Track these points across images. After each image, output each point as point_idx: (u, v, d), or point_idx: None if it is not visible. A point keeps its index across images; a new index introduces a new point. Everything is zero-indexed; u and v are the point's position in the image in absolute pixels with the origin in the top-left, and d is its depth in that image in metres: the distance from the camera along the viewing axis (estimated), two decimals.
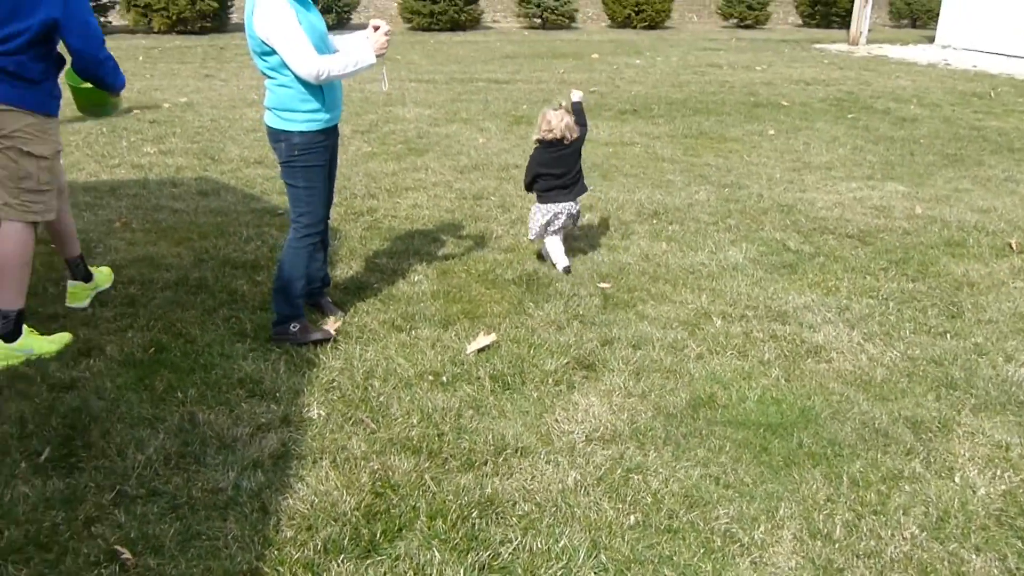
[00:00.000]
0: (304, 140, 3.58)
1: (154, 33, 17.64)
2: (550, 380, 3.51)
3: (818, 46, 17.90)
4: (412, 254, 4.94)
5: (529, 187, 4.81)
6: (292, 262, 3.75)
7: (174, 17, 17.86)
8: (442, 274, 4.63)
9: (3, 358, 3.55)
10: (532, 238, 4.81)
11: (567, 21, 21.58)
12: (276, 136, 3.61)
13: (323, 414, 3.23)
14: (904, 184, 6.80)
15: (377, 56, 3.61)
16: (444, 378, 3.52)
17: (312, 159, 3.64)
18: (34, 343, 3.65)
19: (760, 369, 3.65)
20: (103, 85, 3.77)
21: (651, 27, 21.69)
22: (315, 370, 3.56)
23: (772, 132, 8.77)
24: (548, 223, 4.69)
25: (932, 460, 3.02)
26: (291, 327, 3.75)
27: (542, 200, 4.72)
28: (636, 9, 21.62)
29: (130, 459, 2.89)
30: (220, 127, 8.35)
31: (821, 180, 6.87)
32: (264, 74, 3.57)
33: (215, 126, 8.38)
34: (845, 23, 20.48)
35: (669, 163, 7.36)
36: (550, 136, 4.64)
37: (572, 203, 4.71)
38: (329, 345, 3.75)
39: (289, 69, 3.44)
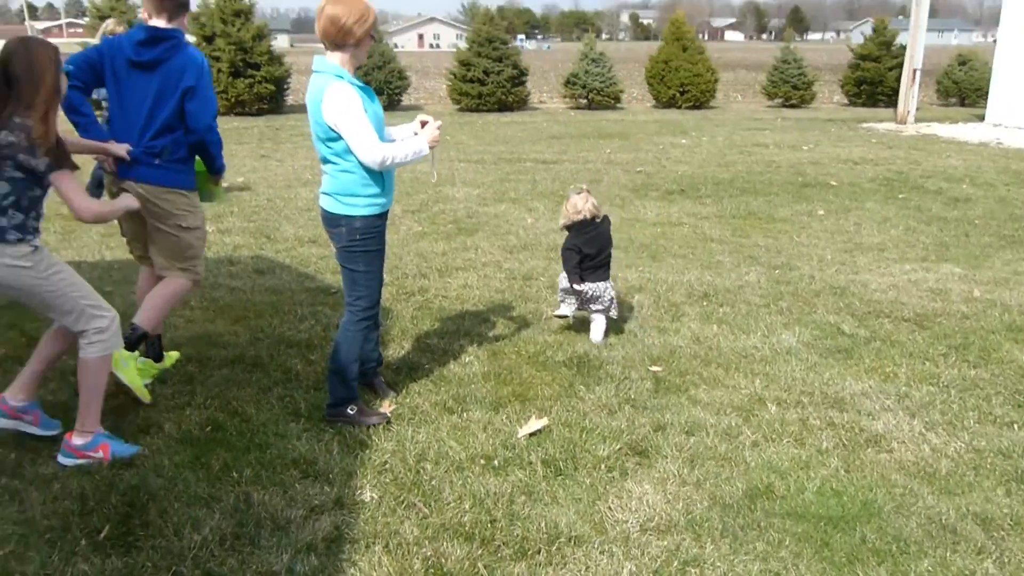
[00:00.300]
0: (365, 224, 3.66)
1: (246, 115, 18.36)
2: (603, 466, 3.48)
3: (865, 125, 17.93)
4: (463, 334, 4.97)
5: (579, 278, 4.83)
6: (348, 345, 3.79)
7: (232, 99, 18.59)
8: (493, 355, 4.65)
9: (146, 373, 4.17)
10: (559, 312, 4.98)
11: (612, 101, 21.96)
12: (336, 221, 3.67)
13: (376, 497, 3.23)
14: (960, 266, 6.70)
15: (429, 147, 3.70)
16: (496, 462, 3.50)
17: (372, 243, 3.72)
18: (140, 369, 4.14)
19: (818, 458, 3.57)
20: (208, 157, 4.13)
21: (696, 107, 21.96)
22: (368, 451, 3.57)
23: (821, 212, 8.75)
24: (573, 299, 4.88)
25: (1006, 561, 2.90)
26: (347, 409, 3.79)
27: (585, 279, 4.84)
28: (681, 89, 21.93)
29: (186, 539, 2.90)
30: (276, 206, 8.59)
31: (874, 262, 6.81)
32: (326, 160, 3.66)
33: (271, 205, 8.63)
34: (892, 102, 20.53)
35: (718, 244, 7.37)
36: (579, 218, 4.86)
37: (606, 283, 4.85)
38: (381, 426, 3.77)
39: (353, 155, 3.54)
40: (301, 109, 20.88)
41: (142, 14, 4.04)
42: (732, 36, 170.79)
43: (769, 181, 10.59)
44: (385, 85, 20.14)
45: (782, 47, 23.77)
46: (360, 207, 3.63)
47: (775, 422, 3.89)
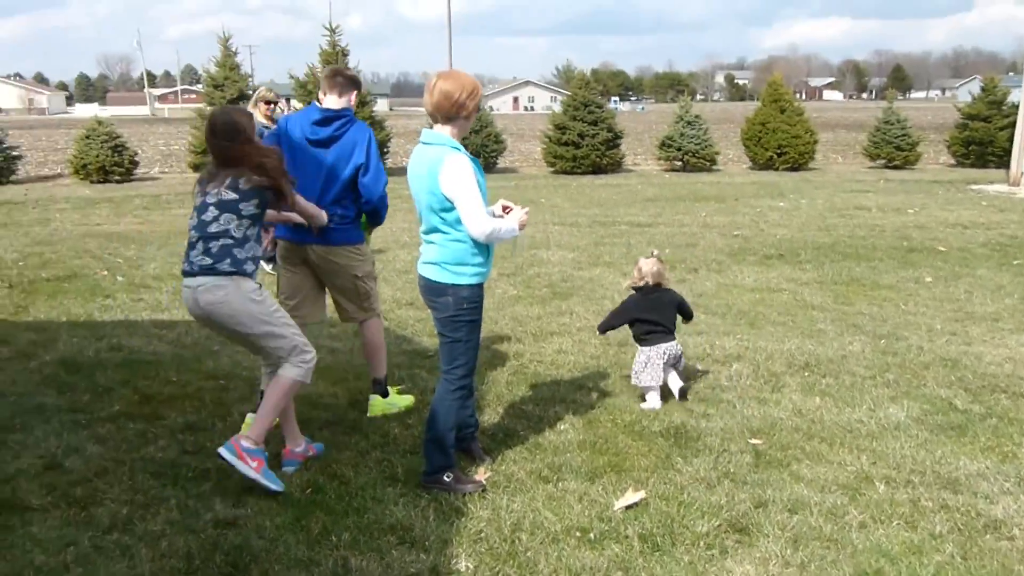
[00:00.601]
0: (471, 293, 3.74)
1: None
2: (702, 543, 3.38)
3: (975, 187, 17.31)
4: (558, 401, 4.96)
5: (608, 328, 5.26)
6: (445, 414, 3.83)
7: None
8: (588, 423, 4.62)
9: (382, 409, 4.79)
10: (634, 383, 5.01)
11: (708, 163, 21.85)
12: (441, 290, 3.71)
13: (471, 567, 3.23)
14: None
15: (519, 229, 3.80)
16: (592, 535, 3.45)
17: (476, 312, 3.79)
18: (398, 400, 4.87)
19: (932, 543, 3.39)
20: (377, 220, 4.73)
21: (794, 168, 21.62)
22: (463, 519, 3.57)
23: (929, 279, 8.44)
24: (649, 363, 4.92)
25: None
26: (444, 476, 3.82)
27: (644, 344, 5.00)
28: (778, 151, 21.67)
29: None
30: (387, 265, 8.81)
31: (988, 332, 6.50)
32: (435, 229, 3.70)
33: (381, 264, 8.83)
34: (1003, 162, 19.75)
35: (819, 311, 7.18)
36: (641, 283, 5.11)
37: (673, 344, 5.00)
38: (477, 493, 3.77)
39: (463, 225, 3.62)
40: (399, 172, 21.52)
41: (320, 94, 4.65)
42: (831, 95, 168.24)
43: (872, 246, 10.30)
44: (482, 149, 20.58)
45: (884, 107, 23.28)
46: (467, 276, 3.71)
47: (884, 502, 3.73)
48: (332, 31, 19.89)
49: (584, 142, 20.81)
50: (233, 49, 20.22)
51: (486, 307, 5.40)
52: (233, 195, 3.72)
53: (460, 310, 3.73)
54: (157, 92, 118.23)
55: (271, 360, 3.94)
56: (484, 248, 3.72)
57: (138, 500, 3.70)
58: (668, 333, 5.01)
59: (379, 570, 3.17)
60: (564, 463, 4.11)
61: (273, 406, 3.86)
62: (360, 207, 4.59)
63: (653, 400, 4.93)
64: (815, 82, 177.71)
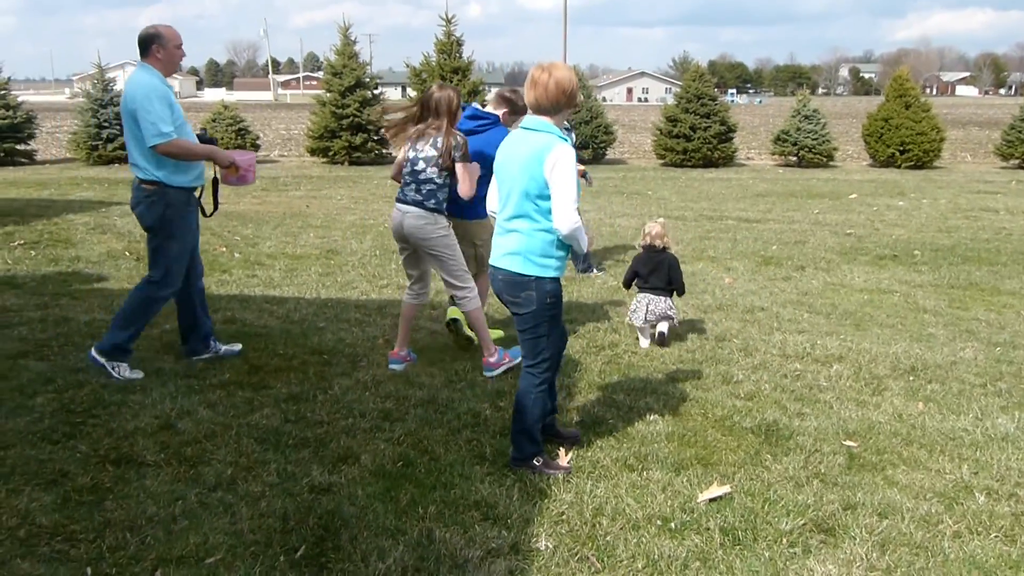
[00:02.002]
0: (554, 287, 3.75)
1: None
2: (784, 540, 3.35)
3: None
4: (649, 392, 4.96)
5: (627, 284, 6.30)
6: (532, 407, 3.86)
7: None
8: (678, 416, 4.61)
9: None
10: (634, 323, 6.00)
11: (825, 159, 21.18)
12: (525, 284, 3.68)
13: (550, 546, 3.29)
14: None
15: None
16: (673, 525, 3.46)
17: (557, 306, 3.80)
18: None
19: None
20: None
21: (917, 167, 20.71)
22: (546, 501, 3.64)
23: None
24: (636, 309, 5.96)
25: None
26: (534, 462, 3.89)
27: (638, 292, 6.07)
28: (901, 148, 20.79)
29: (372, 566, 3.09)
30: None
31: None
32: (524, 215, 3.66)
33: None
34: None
35: (931, 315, 6.90)
36: (644, 242, 6.16)
37: (657, 298, 5.89)
38: (560, 477, 3.84)
39: (551, 216, 3.62)
40: None
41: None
42: (964, 91, 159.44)
43: (996, 249, 9.80)
44: (591, 140, 20.55)
45: (1022, 103, 21.97)
46: (552, 269, 3.71)
47: (982, 513, 3.59)
48: (448, 21, 20.21)
49: (696, 135, 20.50)
50: (352, 38, 20.80)
51: (587, 296, 5.46)
52: (433, 152, 4.94)
53: (543, 304, 3.71)
54: (281, 78, 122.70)
55: (448, 286, 5.32)
56: (563, 243, 3.70)
57: (242, 462, 3.92)
58: (655, 289, 5.97)
59: (462, 543, 3.27)
60: (650, 453, 4.12)
61: (479, 329, 5.30)
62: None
63: (642, 342, 5.92)
64: (948, 76, 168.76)
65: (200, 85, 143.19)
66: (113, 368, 4.98)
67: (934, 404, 4.87)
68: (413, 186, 5.02)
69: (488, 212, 4.06)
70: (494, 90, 5.78)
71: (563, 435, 4.24)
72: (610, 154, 22.56)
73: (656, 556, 3.22)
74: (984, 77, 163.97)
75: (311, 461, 3.96)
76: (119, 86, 17.67)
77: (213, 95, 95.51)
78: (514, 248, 3.70)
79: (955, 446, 4.29)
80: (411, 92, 21.02)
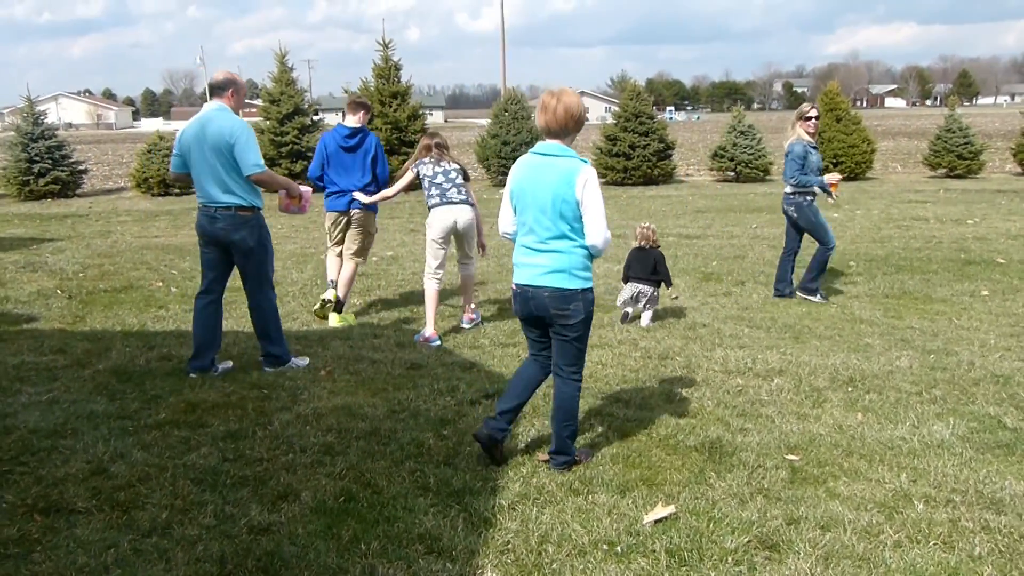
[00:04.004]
0: (593, 296, 4.06)
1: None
2: (729, 559, 3.35)
3: None
4: (594, 414, 4.96)
5: (625, 279, 7.27)
6: (576, 408, 4.20)
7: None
8: (622, 436, 4.61)
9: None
10: (617, 304, 7.26)
11: (761, 174, 21.58)
12: (572, 297, 3.95)
13: None
14: None
15: None
16: (619, 548, 3.44)
17: (592, 312, 4.08)
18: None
19: (970, 565, 3.30)
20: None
21: (851, 178, 21.22)
22: (492, 530, 3.60)
23: (986, 293, 8.22)
24: (623, 293, 7.17)
25: None
26: (577, 457, 4.24)
27: (626, 282, 7.19)
28: (834, 161, 21.30)
29: None
30: (420, 280, 8.90)
31: None
32: (562, 236, 3.93)
33: (416, 279, 8.97)
34: None
35: (868, 325, 7.05)
36: (634, 243, 7.37)
37: (642, 286, 7.04)
38: (506, 505, 3.80)
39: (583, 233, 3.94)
40: None
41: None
42: (893, 103, 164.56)
43: (928, 258, 10.07)
44: None
45: (946, 114, 22.74)
46: (589, 280, 4.03)
47: (921, 521, 3.64)
48: (385, 46, 20.21)
49: (635, 153, 20.74)
50: (290, 64, 20.64)
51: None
52: (456, 165, 6.74)
53: (589, 313, 4.04)
54: None
55: (468, 254, 6.98)
56: (592, 256, 4.03)
57: (178, 505, 3.80)
58: (639, 279, 7.07)
59: None
60: (596, 476, 4.11)
61: (466, 291, 7.13)
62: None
63: (623, 319, 7.15)
64: (876, 89, 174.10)
65: (136, 115, 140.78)
66: (292, 365, 5.89)
67: (872, 414, 4.95)
68: (454, 190, 6.66)
69: (501, 234, 4.26)
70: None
71: (498, 457, 4.30)
72: None
73: None
74: (911, 89, 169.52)
75: (250, 500, 3.86)
76: (52, 118, 17.25)
77: (150, 125, 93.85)
78: (557, 267, 3.96)
79: (894, 455, 4.36)
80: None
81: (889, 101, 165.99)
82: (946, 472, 4.14)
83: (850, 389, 5.39)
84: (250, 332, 6.89)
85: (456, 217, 6.62)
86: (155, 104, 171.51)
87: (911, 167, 25.38)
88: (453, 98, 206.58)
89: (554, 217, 3.90)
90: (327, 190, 7.29)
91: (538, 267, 3.99)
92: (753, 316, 7.37)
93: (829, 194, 7.88)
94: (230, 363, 5.98)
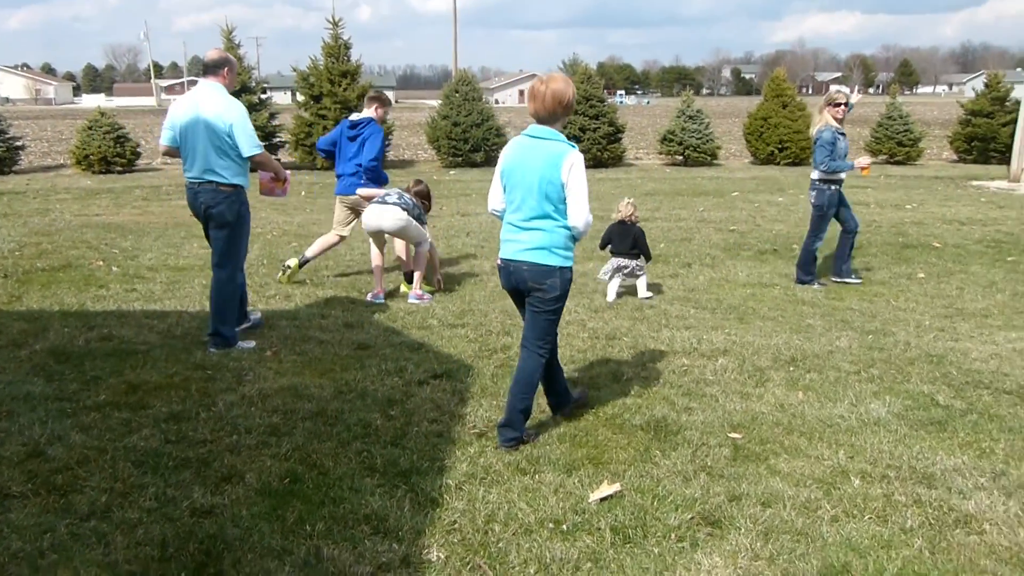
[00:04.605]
0: (570, 275, 4.21)
1: (317, 170, 19.11)
2: (673, 536, 3.41)
3: (975, 183, 17.27)
4: (540, 394, 4.96)
5: (602, 246, 7.64)
6: (535, 383, 4.34)
7: None
8: (570, 416, 4.64)
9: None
10: (599, 277, 7.59)
11: (709, 158, 21.83)
12: (550, 273, 4.12)
13: (442, 557, 3.26)
14: None
15: None
16: (565, 527, 3.48)
17: (568, 291, 4.25)
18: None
19: (901, 538, 3.41)
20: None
21: (795, 163, 21.59)
22: (438, 510, 3.60)
23: (922, 275, 8.44)
24: (613, 269, 7.40)
25: None
26: (525, 436, 4.31)
27: (611, 256, 7.48)
28: (780, 146, 21.65)
29: None
30: (368, 260, 8.83)
31: (976, 329, 6.51)
32: (544, 216, 4.09)
33: (365, 259, 8.89)
34: (1005, 159, 19.72)
35: (809, 307, 7.19)
36: (617, 216, 7.51)
37: (624, 260, 7.34)
38: (453, 484, 3.81)
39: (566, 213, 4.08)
40: (401, 165, 21.53)
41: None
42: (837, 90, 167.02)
43: (868, 242, 10.30)
44: (483, 143, 20.58)
45: (887, 102, 23.21)
46: (570, 259, 4.19)
47: (857, 496, 3.75)
48: (335, 24, 19.90)
49: (585, 136, 20.78)
50: (237, 41, 20.21)
51: (477, 300, 5.45)
52: (416, 202, 7.28)
53: (565, 290, 4.20)
54: (164, 83, 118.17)
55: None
56: (574, 237, 4.17)
57: (117, 488, 3.73)
58: (621, 254, 7.37)
59: (351, 559, 3.20)
60: (543, 455, 4.14)
61: (420, 267, 7.20)
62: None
63: (610, 295, 7.39)
64: (822, 77, 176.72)
65: (77, 91, 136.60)
66: (238, 349, 5.77)
67: (813, 393, 5.06)
68: (395, 196, 7.17)
69: (490, 210, 4.43)
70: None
71: (578, 400, 4.70)
72: None
73: (548, 560, 3.23)
74: (855, 77, 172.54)
75: (192, 483, 3.80)
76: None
77: (91, 101, 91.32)
78: (539, 243, 4.13)
79: (832, 432, 4.47)
80: (299, 97, 20.55)
81: (834, 88, 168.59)
82: (882, 448, 4.26)
83: (792, 369, 5.50)
84: (193, 312, 6.80)
85: (380, 220, 6.97)
86: (97, 80, 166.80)
87: (854, 153, 25.80)
88: (404, 78, 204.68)
89: (540, 197, 4.06)
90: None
91: (521, 243, 4.17)
92: (699, 297, 7.47)
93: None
94: (258, 313, 6.47)
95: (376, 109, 7.58)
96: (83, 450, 4.11)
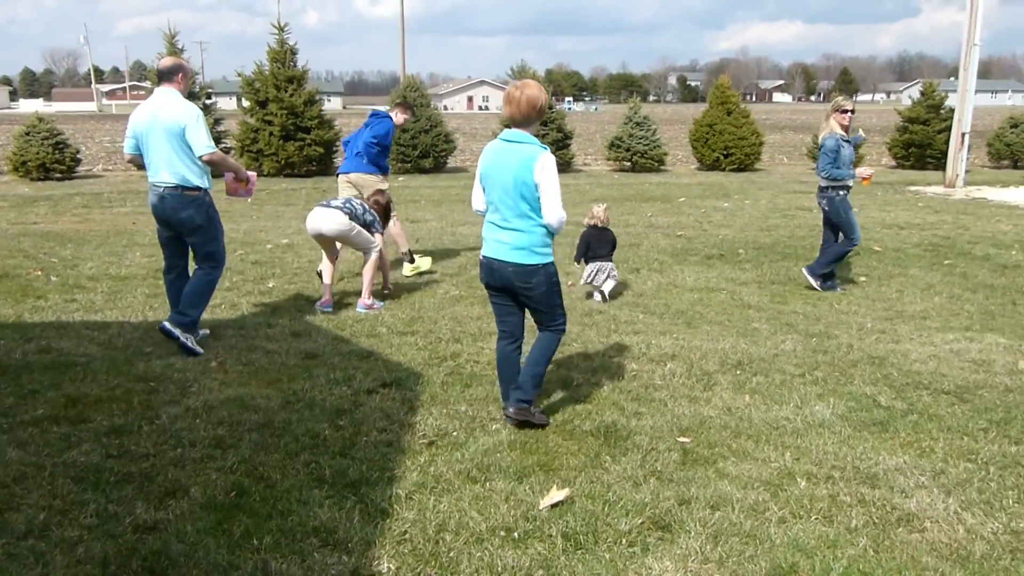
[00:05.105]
0: (554, 268, 4.49)
1: (263, 176, 18.86)
2: (624, 541, 3.43)
3: (913, 188, 17.75)
4: (492, 401, 4.98)
5: (580, 255, 7.80)
6: (551, 355, 4.67)
7: (283, 161, 19.10)
8: (520, 423, 4.64)
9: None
10: (581, 283, 7.76)
11: (656, 164, 22.08)
12: (533, 271, 4.38)
13: (393, 568, 3.22)
14: (1006, 336, 6.53)
15: None
16: (516, 534, 3.47)
17: (558, 278, 4.55)
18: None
19: (847, 537, 3.47)
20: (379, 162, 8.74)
21: (740, 169, 21.97)
22: (388, 520, 3.57)
23: (863, 279, 8.64)
24: (593, 273, 7.61)
25: None
26: (532, 408, 4.57)
27: (588, 261, 7.69)
28: (725, 152, 21.99)
29: None
30: (318, 268, 8.74)
31: (915, 330, 6.68)
32: (522, 216, 4.32)
33: (312, 267, 8.80)
34: (941, 165, 20.31)
35: (755, 310, 7.31)
36: (592, 222, 7.78)
37: (604, 263, 7.61)
38: (403, 494, 3.77)
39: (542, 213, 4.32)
40: None
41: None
42: (780, 97, 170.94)
43: (811, 246, 10.49)
44: (432, 148, 20.53)
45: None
46: (549, 256, 4.44)
47: (804, 498, 3.81)
48: (280, 29, 19.70)
49: None
50: (180, 45, 19.85)
51: (426, 307, 5.42)
52: (371, 210, 7.37)
53: (551, 283, 4.46)
54: (105, 88, 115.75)
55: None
56: (551, 233, 4.42)
57: (56, 506, 3.62)
58: (598, 257, 7.62)
59: (300, 573, 3.15)
60: (493, 463, 4.12)
61: (368, 276, 7.14)
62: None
63: (596, 297, 7.62)
64: (765, 84, 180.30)
65: (14, 95, 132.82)
66: (186, 339, 5.81)
67: (759, 396, 5.14)
68: (340, 200, 7.18)
69: (473, 211, 4.68)
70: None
71: (538, 419, 4.68)
72: (451, 163, 22.63)
73: (500, 568, 3.22)
74: (797, 85, 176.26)
75: (135, 498, 3.71)
76: None
77: (29, 106, 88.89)
78: (520, 243, 4.36)
79: (779, 435, 4.54)
80: (245, 102, 20.28)
81: (777, 96, 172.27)
82: (827, 450, 4.33)
83: (738, 372, 5.58)
84: (136, 322, 6.65)
85: (320, 223, 6.95)
86: (35, 84, 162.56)
87: (796, 159, 26.41)
88: (352, 84, 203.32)
89: (516, 198, 4.28)
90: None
91: (503, 243, 4.40)
92: (648, 303, 7.54)
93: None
94: (207, 331, 6.31)
95: (398, 113, 8.48)
96: (20, 467, 3.99)
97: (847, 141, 7.79)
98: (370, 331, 6.46)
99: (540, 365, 4.61)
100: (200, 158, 5.73)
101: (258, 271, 8.64)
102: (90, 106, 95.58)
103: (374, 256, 7.21)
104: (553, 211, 4.28)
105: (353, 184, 8.32)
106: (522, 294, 4.47)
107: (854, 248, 8.10)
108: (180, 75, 5.88)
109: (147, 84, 20.29)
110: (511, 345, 4.69)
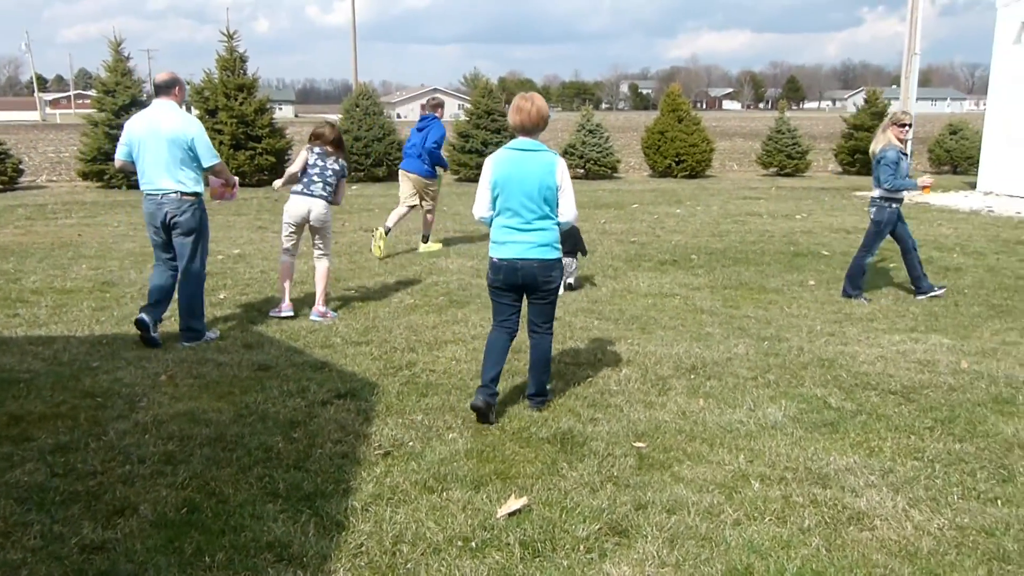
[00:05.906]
0: (562, 264, 4.93)
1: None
2: (581, 547, 3.43)
3: (859, 194, 18.11)
4: (448, 410, 4.96)
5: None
6: (550, 356, 5.06)
7: (233, 171, 18.83)
8: (476, 432, 4.63)
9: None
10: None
11: (609, 171, 22.23)
12: (553, 265, 4.81)
13: None
14: (949, 336, 6.70)
15: None
16: (473, 544, 3.46)
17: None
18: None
19: (800, 537, 3.52)
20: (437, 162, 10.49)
21: (692, 176, 22.22)
22: (344, 533, 3.53)
23: (812, 282, 8.79)
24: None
25: None
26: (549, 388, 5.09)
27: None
28: (676, 159, 22.23)
29: None
30: (269, 279, 8.65)
31: (863, 332, 6.82)
32: (544, 217, 4.73)
33: (264, 278, 8.69)
34: None
35: (708, 315, 7.39)
36: None
37: (567, 259, 7.95)
38: (359, 506, 3.74)
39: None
40: None
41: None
42: (730, 105, 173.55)
43: (762, 251, 10.67)
44: (385, 157, 20.44)
45: (777, 117, 24.15)
46: (560, 250, 4.87)
47: (757, 500, 3.85)
48: (230, 37, 19.44)
49: (488, 150, 20.85)
50: (126, 53, 19.49)
51: (381, 316, 5.36)
52: (339, 164, 7.20)
53: (560, 278, 4.90)
54: (49, 97, 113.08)
55: (322, 248, 7.25)
56: None
57: (1, 530, 3.52)
58: (565, 255, 7.20)
59: None
60: (450, 472, 4.11)
61: (323, 284, 7.18)
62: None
63: (561, 289, 7.20)
64: (715, 92, 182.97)
65: None
66: (206, 340, 6.39)
67: (713, 400, 5.20)
68: (320, 184, 7.08)
69: (477, 218, 4.94)
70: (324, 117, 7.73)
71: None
72: None
73: None
74: (746, 93, 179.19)
75: (82, 518, 3.62)
76: None
77: None
78: (543, 241, 4.76)
79: (732, 438, 4.59)
80: (194, 111, 19.96)
81: (726, 103, 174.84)
82: (779, 452, 4.40)
83: (692, 376, 5.63)
84: (82, 336, 6.50)
85: (310, 207, 7.05)
86: None
87: (746, 166, 26.81)
88: (304, 92, 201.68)
89: (539, 201, 4.70)
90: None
91: (527, 243, 4.73)
92: (602, 309, 7.58)
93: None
94: (217, 332, 6.62)
95: (440, 112, 10.48)
96: None
97: (904, 154, 7.88)
98: (324, 341, 6.39)
99: (548, 369, 5.05)
100: (210, 167, 6.28)
101: (209, 282, 8.44)
102: (33, 115, 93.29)
103: (326, 263, 7.16)
104: (572, 208, 4.79)
105: (412, 183, 10.33)
106: (542, 288, 4.83)
107: (870, 259, 8.17)
108: (177, 88, 6.32)
109: (92, 93, 19.81)
110: (507, 335, 4.98)
